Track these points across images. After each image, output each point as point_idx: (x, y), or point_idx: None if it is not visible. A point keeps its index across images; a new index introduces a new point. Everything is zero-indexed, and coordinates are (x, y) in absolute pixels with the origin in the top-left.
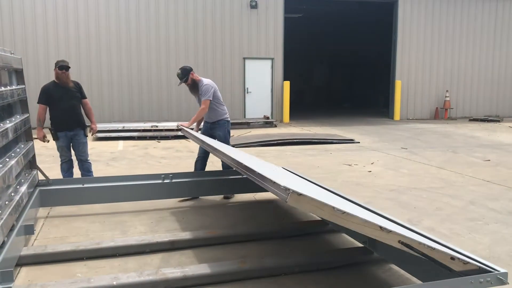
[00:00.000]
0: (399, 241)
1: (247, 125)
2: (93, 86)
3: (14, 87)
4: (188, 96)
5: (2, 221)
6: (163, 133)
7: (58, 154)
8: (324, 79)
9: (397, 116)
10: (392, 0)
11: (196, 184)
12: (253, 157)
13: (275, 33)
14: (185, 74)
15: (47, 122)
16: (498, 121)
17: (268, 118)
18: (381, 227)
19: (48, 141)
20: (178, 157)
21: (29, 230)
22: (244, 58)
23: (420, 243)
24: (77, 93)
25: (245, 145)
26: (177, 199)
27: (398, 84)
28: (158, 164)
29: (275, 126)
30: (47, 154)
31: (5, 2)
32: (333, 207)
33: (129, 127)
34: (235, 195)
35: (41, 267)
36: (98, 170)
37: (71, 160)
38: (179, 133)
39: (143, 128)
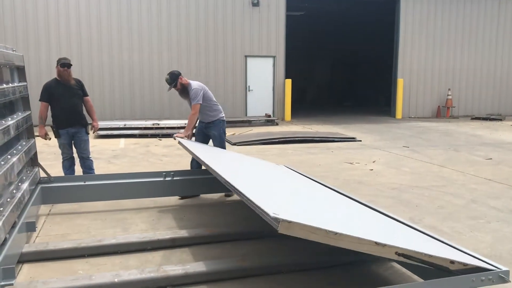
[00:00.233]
0: (396, 253)
1: (249, 123)
2: (94, 83)
3: (15, 84)
4: None
5: (4, 218)
6: (164, 131)
7: (59, 151)
8: (325, 77)
9: (399, 114)
10: None
11: (197, 182)
12: (251, 159)
13: (276, 31)
14: (173, 79)
15: (49, 120)
16: (500, 119)
17: (269, 116)
18: (376, 243)
19: (50, 139)
20: (179, 155)
21: (30, 227)
22: (246, 56)
23: (417, 252)
24: (79, 90)
25: (246, 143)
26: (177, 197)
27: (400, 83)
28: (159, 162)
29: (277, 124)
30: (49, 152)
31: (7, 0)
32: (326, 230)
33: (131, 125)
34: None
35: (43, 264)
36: (99, 167)
37: (73, 158)
38: (181, 131)
39: (144, 126)
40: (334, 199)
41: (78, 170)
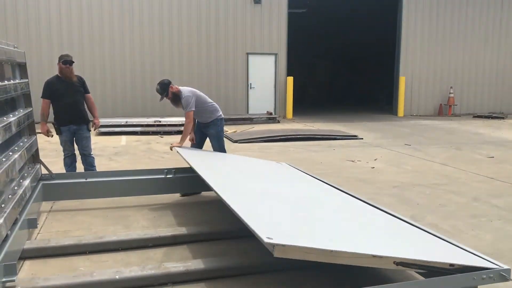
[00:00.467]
0: (394, 262)
1: (250, 120)
2: (96, 81)
3: (17, 81)
4: None
5: (5, 214)
6: (166, 128)
7: (61, 148)
8: (327, 75)
9: (400, 112)
10: None
11: (198, 180)
12: (250, 161)
13: (278, 28)
14: (164, 89)
15: (51, 117)
16: (503, 118)
17: (271, 113)
18: (373, 256)
19: (52, 136)
20: None
21: (32, 223)
22: (248, 54)
23: (415, 259)
24: (80, 87)
25: (248, 141)
26: (179, 194)
27: (402, 80)
28: (161, 159)
29: (278, 122)
30: (50, 149)
31: None
32: (321, 249)
33: (132, 122)
34: None
35: (44, 261)
36: (101, 164)
37: (74, 155)
38: (182, 128)
39: (146, 123)
40: (334, 200)
41: (80, 167)
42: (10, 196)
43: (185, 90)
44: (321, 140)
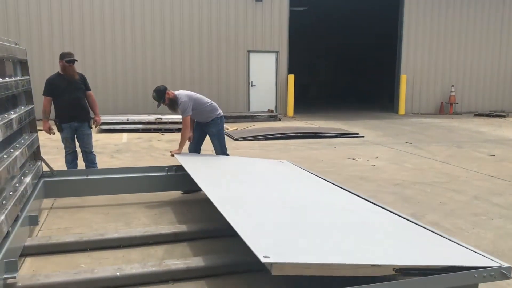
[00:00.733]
0: (393, 269)
1: (251, 118)
2: (97, 78)
3: (18, 78)
4: (192, 90)
5: (6, 211)
6: (167, 126)
7: (62, 145)
8: (329, 73)
9: (402, 110)
10: None
11: None
12: (250, 163)
13: (280, 26)
14: (161, 96)
15: (52, 114)
16: (504, 116)
17: (272, 111)
18: (372, 265)
19: (54, 133)
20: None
21: (33, 220)
22: (249, 51)
23: (414, 265)
24: (82, 85)
25: (249, 139)
26: (181, 191)
27: (404, 79)
28: (162, 156)
29: (279, 119)
30: (52, 146)
31: None
32: (320, 264)
33: (134, 120)
34: None
35: (45, 258)
36: (102, 162)
37: (76, 152)
38: None
39: (147, 121)
40: (333, 200)
41: (81, 164)
42: (11, 193)
43: (182, 95)
44: (322, 138)
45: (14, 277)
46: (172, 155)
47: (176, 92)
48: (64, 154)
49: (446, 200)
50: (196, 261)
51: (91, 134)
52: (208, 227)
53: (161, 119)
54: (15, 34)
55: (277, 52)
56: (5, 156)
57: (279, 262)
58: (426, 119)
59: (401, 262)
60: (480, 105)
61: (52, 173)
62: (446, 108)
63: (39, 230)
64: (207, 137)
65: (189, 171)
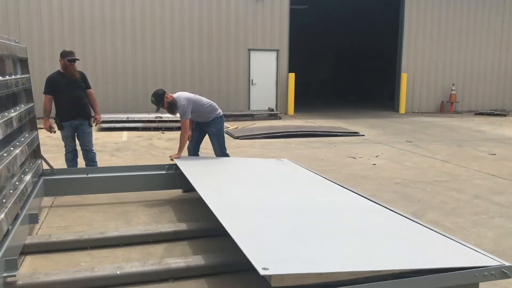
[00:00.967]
0: (393, 273)
1: (252, 117)
2: (98, 76)
3: (18, 76)
4: (193, 89)
5: (6, 209)
6: (167, 124)
7: (62, 144)
8: (329, 71)
9: (402, 109)
10: None
11: None
12: (250, 164)
13: (280, 24)
14: (159, 100)
15: (53, 113)
16: (504, 115)
17: (272, 110)
18: (372, 271)
19: (55, 132)
20: None
21: (33, 219)
22: (249, 50)
23: (413, 269)
24: (82, 83)
25: (249, 137)
26: (180, 190)
27: (404, 77)
28: (162, 155)
29: (280, 118)
30: (52, 144)
31: None
32: (319, 273)
33: (134, 118)
34: None
35: (45, 256)
36: (102, 160)
37: (76, 150)
38: None
39: (147, 119)
40: (333, 200)
41: (81, 162)
42: (11, 191)
43: (181, 98)
44: (323, 137)
45: (14, 276)
46: (172, 160)
47: (175, 95)
48: (64, 153)
49: (446, 199)
50: (196, 260)
51: (91, 132)
52: (208, 226)
53: (161, 117)
54: (15, 32)
55: (277, 51)
56: (5, 154)
57: (278, 273)
58: (426, 117)
59: (400, 266)
60: (481, 104)
61: (52, 171)
62: (446, 107)
63: (39, 229)
64: (207, 136)
65: (189, 177)
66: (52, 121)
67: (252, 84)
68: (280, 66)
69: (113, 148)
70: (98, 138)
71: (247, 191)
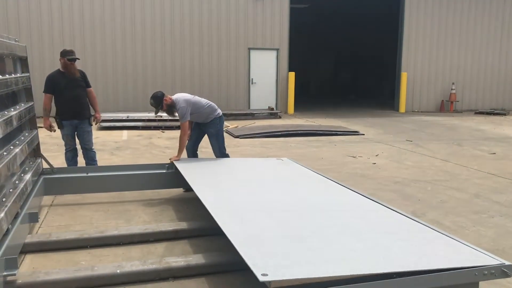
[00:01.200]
0: (394, 275)
1: (252, 116)
2: (98, 75)
3: (18, 75)
4: (193, 88)
5: (6, 208)
6: (167, 123)
7: (62, 142)
8: (329, 70)
9: (402, 108)
10: None
11: None
12: (250, 164)
13: (280, 23)
14: (158, 102)
15: (53, 111)
16: (504, 114)
17: (272, 109)
18: (373, 274)
19: (55, 131)
20: None
21: (33, 218)
22: (249, 49)
23: (413, 271)
24: (82, 81)
25: (249, 136)
26: (181, 189)
27: (404, 76)
28: (162, 154)
29: (280, 117)
30: (52, 143)
31: None
32: (319, 278)
33: (134, 117)
34: None
35: (45, 255)
36: (102, 159)
37: (76, 149)
38: None
39: (147, 118)
40: (333, 200)
41: (81, 161)
42: (11, 190)
43: (180, 100)
44: (323, 136)
45: (14, 274)
46: (172, 162)
47: (174, 97)
48: (64, 151)
49: (446, 198)
50: (196, 259)
51: (91, 131)
52: (209, 225)
53: (161, 116)
54: (15, 30)
55: (277, 50)
56: (5, 153)
57: (278, 279)
58: (426, 117)
59: (401, 268)
60: (481, 103)
61: (52, 170)
62: (446, 106)
63: (39, 227)
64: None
65: (188, 180)
66: (52, 120)
67: (252, 83)
68: (280, 65)
69: (113, 147)
70: (98, 137)
71: (247, 192)
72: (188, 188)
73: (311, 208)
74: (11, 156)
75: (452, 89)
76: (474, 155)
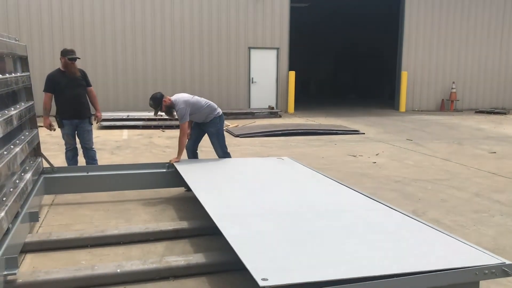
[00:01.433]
0: (394, 276)
1: (252, 115)
2: (98, 74)
3: (18, 74)
4: (193, 87)
5: (7, 207)
6: (167, 123)
7: (63, 142)
8: (330, 69)
9: (402, 107)
10: None
11: None
12: (249, 164)
13: (280, 22)
14: (158, 103)
15: (53, 110)
16: (505, 113)
17: (273, 108)
18: (373, 276)
19: (55, 130)
20: None
21: (33, 217)
22: (250, 48)
23: (415, 272)
24: (82, 81)
25: (249, 135)
26: (181, 188)
27: (404, 75)
28: (162, 153)
29: (280, 116)
30: (52, 142)
31: None
32: (317, 282)
33: (134, 116)
34: None
35: (46, 254)
36: (102, 158)
37: (76, 148)
38: None
39: (147, 117)
40: (332, 200)
41: (82, 160)
42: (11, 190)
43: (179, 101)
44: (323, 135)
45: (15, 274)
46: (172, 164)
47: (173, 98)
48: (64, 151)
49: (447, 197)
50: (196, 258)
51: (91, 130)
52: (209, 224)
53: (161, 115)
54: (15, 30)
55: (278, 49)
56: (5, 153)
57: (277, 284)
58: (426, 116)
59: (402, 270)
60: (481, 102)
61: (53, 169)
62: (447, 105)
63: (40, 227)
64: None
65: (188, 182)
66: (52, 119)
67: (252, 82)
68: (281, 64)
69: (113, 146)
70: (99, 136)
71: (247, 194)
72: (189, 188)
73: (312, 209)
74: (11, 155)
75: (452, 88)
76: (474, 154)
